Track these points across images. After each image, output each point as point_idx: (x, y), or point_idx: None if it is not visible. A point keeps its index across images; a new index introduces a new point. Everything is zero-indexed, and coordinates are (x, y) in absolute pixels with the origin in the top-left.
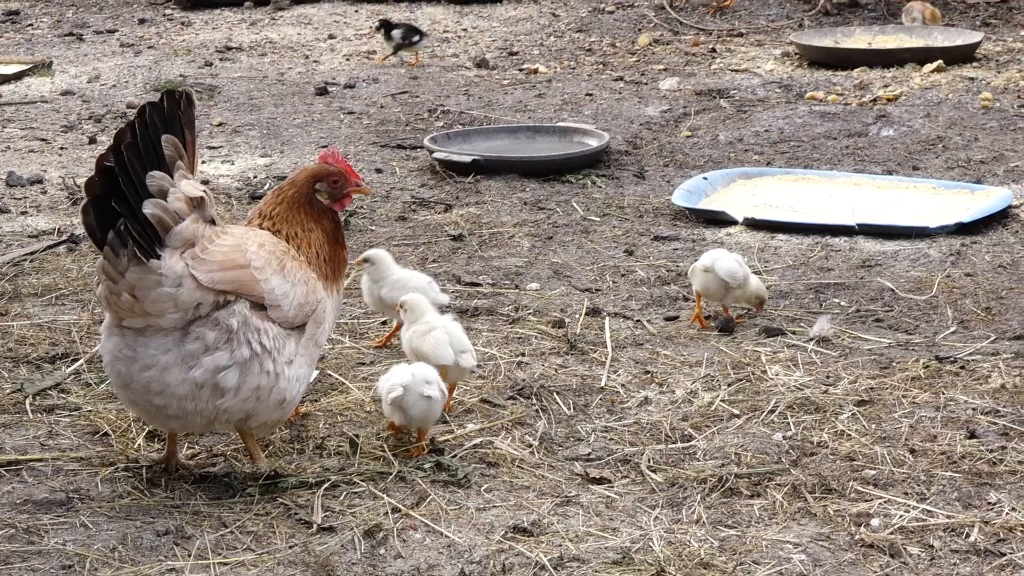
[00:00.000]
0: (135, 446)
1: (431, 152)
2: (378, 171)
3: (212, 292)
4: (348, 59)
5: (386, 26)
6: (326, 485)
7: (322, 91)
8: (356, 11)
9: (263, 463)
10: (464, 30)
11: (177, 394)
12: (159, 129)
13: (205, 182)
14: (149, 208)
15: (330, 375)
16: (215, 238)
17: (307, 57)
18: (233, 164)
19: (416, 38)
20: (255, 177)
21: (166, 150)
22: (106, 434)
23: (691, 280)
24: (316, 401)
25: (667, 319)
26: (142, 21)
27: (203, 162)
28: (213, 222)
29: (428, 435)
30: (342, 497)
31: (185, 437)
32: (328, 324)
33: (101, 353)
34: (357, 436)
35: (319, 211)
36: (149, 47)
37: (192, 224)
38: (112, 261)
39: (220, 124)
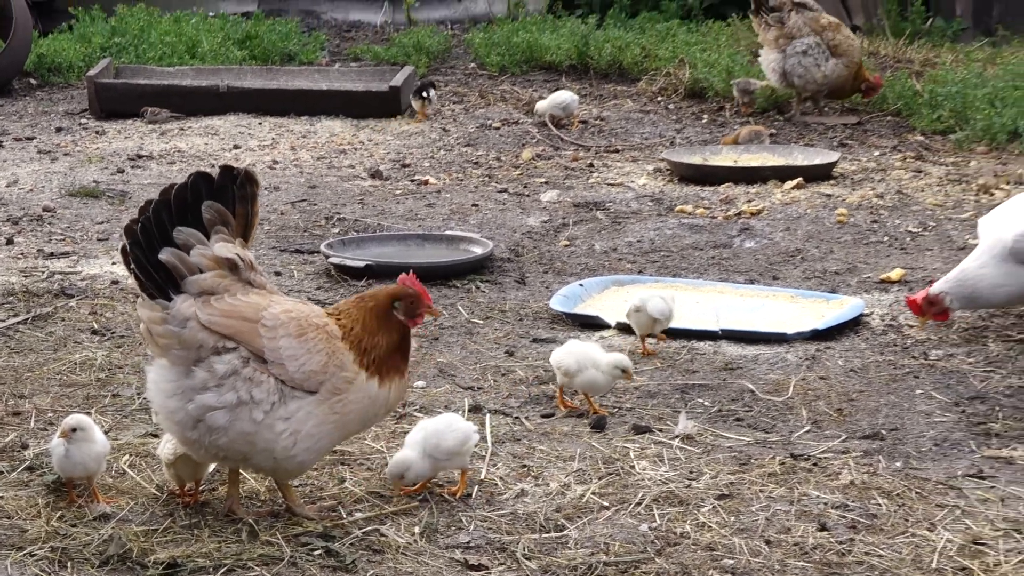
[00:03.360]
0: (44, 530)
1: (327, 257)
2: (277, 274)
3: (212, 335)
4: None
5: (422, 89)
6: (223, 570)
7: None
8: (260, 123)
9: (299, 508)
10: (361, 143)
11: (177, 421)
12: (202, 195)
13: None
14: (164, 255)
15: None
16: (240, 296)
17: (213, 166)
18: None
19: (433, 92)
20: None
21: (205, 213)
22: (15, 518)
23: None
24: (214, 491)
25: (543, 416)
26: (59, 129)
27: (112, 263)
28: (251, 284)
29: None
30: None
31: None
32: (358, 407)
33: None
34: (257, 522)
35: (390, 322)
36: (65, 154)
37: (215, 278)
38: (141, 298)
39: None
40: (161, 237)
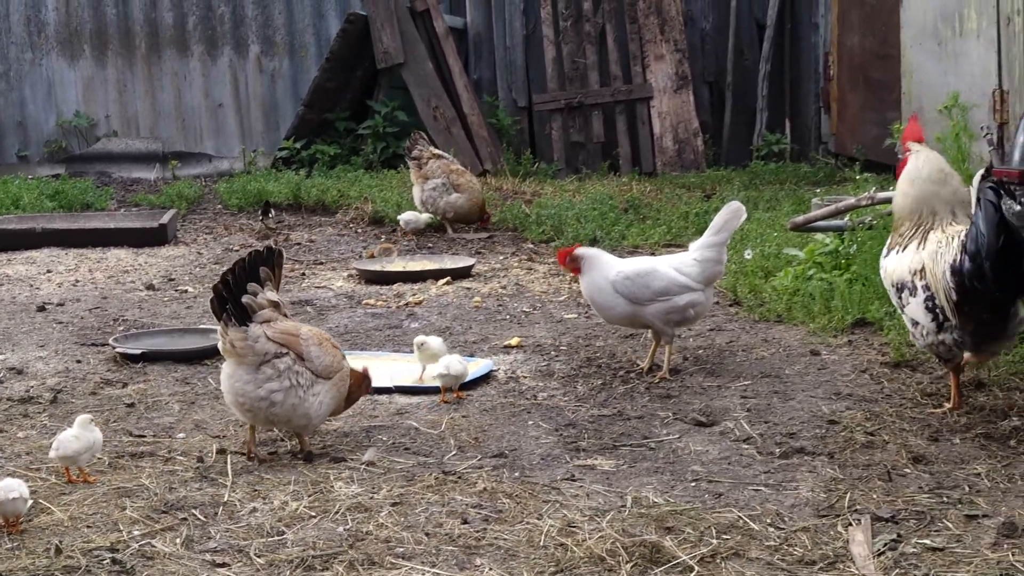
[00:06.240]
0: None
1: (114, 347)
2: (78, 361)
3: (274, 344)
4: (60, 286)
5: (263, 212)
6: None
7: (41, 308)
8: (66, 254)
9: (309, 447)
10: (140, 264)
11: (252, 398)
12: (256, 263)
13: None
14: (245, 299)
15: (41, 502)
16: (283, 320)
17: (31, 285)
18: None
19: (272, 212)
20: None
21: (261, 274)
22: None
23: None
24: (31, 521)
25: (270, 454)
26: None
27: None
28: (286, 315)
29: None
30: None
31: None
32: (346, 387)
33: (221, 375)
34: (60, 542)
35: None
36: None
37: (269, 311)
38: (225, 326)
39: None
40: (238, 288)
